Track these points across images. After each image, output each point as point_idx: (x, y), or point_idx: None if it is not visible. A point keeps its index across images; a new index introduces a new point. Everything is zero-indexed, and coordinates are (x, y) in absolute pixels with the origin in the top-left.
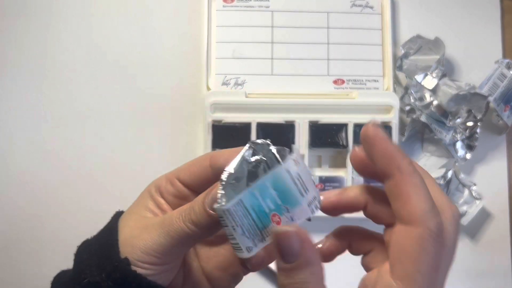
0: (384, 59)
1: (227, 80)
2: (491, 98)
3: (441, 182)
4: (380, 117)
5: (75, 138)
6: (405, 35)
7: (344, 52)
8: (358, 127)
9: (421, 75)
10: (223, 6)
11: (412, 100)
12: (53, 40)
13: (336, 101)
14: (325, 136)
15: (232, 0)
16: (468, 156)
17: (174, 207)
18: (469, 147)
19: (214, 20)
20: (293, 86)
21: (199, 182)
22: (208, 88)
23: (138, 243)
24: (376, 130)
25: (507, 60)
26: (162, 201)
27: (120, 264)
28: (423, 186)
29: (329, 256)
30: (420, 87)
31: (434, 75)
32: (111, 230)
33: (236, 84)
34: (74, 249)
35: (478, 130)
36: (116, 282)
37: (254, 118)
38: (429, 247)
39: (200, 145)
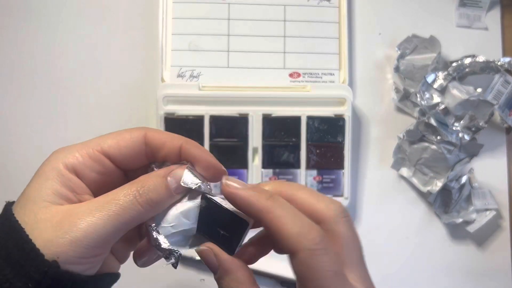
0: (341, 52)
1: (183, 72)
2: (496, 106)
3: (455, 185)
4: (334, 110)
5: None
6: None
7: (300, 45)
8: (311, 119)
9: (432, 76)
10: None
11: (418, 99)
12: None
13: (289, 94)
14: (279, 129)
15: None
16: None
17: (96, 188)
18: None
19: (170, 12)
20: (249, 79)
21: (130, 160)
22: (163, 80)
23: (75, 236)
24: (227, 187)
25: (508, 59)
26: (78, 181)
27: (50, 269)
28: (288, 211)
29: (252, 259)
30: (428, 86)
31: (443, 77)
32: (13, 230)
33: (192, 76)
34: None
35: (476, 137)
36: None
37: (207, 111)
38: (319, 262)
39: None
